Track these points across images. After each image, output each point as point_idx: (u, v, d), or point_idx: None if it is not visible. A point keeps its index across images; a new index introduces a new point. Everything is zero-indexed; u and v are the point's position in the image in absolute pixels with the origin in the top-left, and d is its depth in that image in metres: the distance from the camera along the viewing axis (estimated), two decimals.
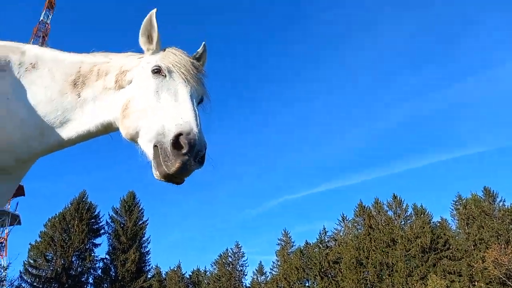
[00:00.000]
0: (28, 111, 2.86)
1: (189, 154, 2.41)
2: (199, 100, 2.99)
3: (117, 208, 59.17)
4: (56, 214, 55.34)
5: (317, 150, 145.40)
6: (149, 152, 2.64)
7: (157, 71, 2.88)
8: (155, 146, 2.55)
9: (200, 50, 3.36)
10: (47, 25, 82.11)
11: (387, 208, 64.44)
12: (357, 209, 65.92)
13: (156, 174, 2.56)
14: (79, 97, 3.01)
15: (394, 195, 64.86)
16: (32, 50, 3.11)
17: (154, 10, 2.98)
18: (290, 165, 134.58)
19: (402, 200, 64.14)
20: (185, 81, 2.86)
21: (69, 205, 56.05)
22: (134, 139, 2.81)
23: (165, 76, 2.87)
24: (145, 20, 3.02)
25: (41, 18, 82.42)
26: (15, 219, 60.28)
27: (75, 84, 3.05)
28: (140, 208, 59.84)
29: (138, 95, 2.87)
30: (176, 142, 2.43)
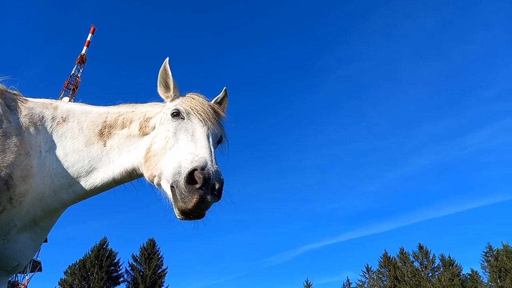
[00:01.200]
0: (57, 162, 2.99)
1: (204, 188, 2.46)
2: (217, 139, 3.09)
3: (136, 256, 58.67)
4: (76, 261, 55.26)
5: (340, 198, 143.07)
6: (169, 193, 2.71)
7: (176, 114, 3.02)
8: (172, 187, 2.61)
9: (221, 95, 3.53)
10: (77, 78, 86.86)
11: (413, 259, 61.75)
12: (382, 260, 63.35)
13: (176, 213, 2.61)
14: (104, 146, 3.15)
15: (420, 244, 62.43)
16: (64, 105, 3.31)
17: (167, 59, 3.23)
18: (311, 213, 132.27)
19: (429, 250, 61.56)
20: (202, 122, 2.96)
21: (90, 252, 55.98)
22: (156, 182, 2.88)
23: (184, 118, 3.00)
24: (160, 70, 3.25)
25: (73, 71, 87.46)
26: (36, 266, 60.40)
27: (101, 134, 3.19)
28: (160, 256, 59.16)
29: (158, 138, 2.99)
30: (190, 178, 2.50)
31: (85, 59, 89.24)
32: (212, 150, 2.77)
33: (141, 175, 3.10)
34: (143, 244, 60.09)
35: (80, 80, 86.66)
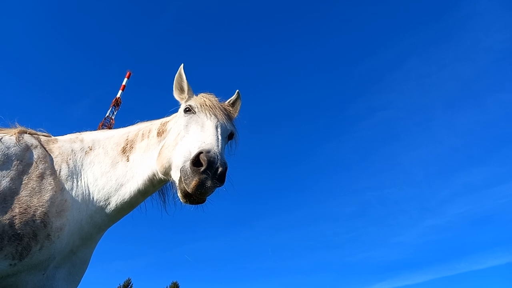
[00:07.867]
0: (90, 188, 3.13)
1: (208, 171, 2.55)
2: (227, 133, 3.21)
3: None
4: None
5: (371, 247, 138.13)
6: (176, 179, 2.79)
7: (188, 110, 3.24)
8: (181, 171, 2.72)
9: (234, 97, 3.74)
10: (111, 120, 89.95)
11: None
12: None
13: (179, 195, 2.72)
14: (128, 160, 3.29)
15: None
16: (89, 136, 3.52)
17: (182, 65, 3.49)
18: (341, 262, 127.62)
19: None
20: (211, 116, 3.13)
21: None
22: (167, 173, 3.01)
23: (195, 113, 3.19)
24: (176, 75, 3.51)
25: (107, 114, 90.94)
26: None
27: (124, 150, 3.36)
28: None
29: (171, 133, 3.19)
30: (196, 160, 2.61)
31: (119, 102, 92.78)
32: (219, 138, 2.91)
33: (162, 179, 3.19)
34: (167, 287, 59.24)
35: (114, 122, 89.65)
